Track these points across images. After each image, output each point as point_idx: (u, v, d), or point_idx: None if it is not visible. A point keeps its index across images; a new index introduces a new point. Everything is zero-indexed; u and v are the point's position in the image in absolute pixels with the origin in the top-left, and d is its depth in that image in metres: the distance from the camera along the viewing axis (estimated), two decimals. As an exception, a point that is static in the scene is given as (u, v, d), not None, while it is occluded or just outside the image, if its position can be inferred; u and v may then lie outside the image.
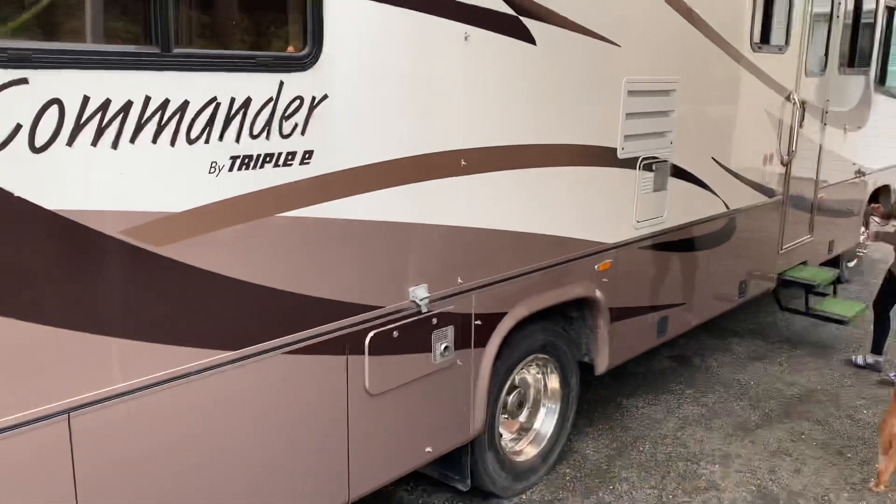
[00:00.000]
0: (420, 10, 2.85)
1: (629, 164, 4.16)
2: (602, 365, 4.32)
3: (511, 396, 4.00)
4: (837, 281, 6.86)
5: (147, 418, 2.35)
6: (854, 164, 7.04)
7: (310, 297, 2.70)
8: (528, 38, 3.32)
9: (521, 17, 3.26)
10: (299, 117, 2.53)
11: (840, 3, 6.20)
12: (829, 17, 6.11)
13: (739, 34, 4.93)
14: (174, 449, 2.45)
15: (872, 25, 6.93)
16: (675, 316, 4.91)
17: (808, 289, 6.30)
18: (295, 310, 2.67)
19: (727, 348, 6.24)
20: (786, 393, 5.42)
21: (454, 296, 3.28)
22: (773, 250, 6.05)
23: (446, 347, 3.28)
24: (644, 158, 4.25)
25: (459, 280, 3.30)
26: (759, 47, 5.15)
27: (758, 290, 5.95)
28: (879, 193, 7.91)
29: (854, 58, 6.61)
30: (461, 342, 3.38)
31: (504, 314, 3.59)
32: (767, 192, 5.71)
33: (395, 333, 3.03)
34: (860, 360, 5.93)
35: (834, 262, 7.31)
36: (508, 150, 3.39)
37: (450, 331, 3.29)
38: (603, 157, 3.97)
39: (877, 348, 5.89)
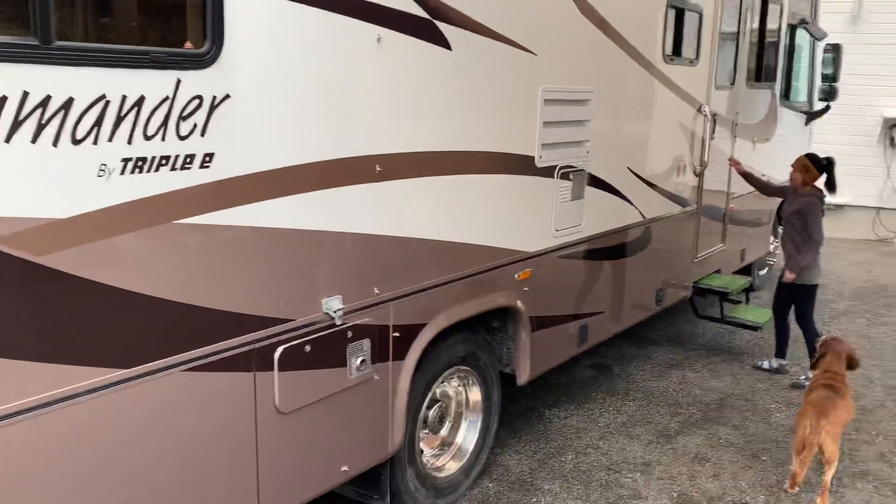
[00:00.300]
0: (329, 10, 2.73)
1: (547, 172, 4.14)
2: (524, 375, 4.27)
3: (432, 411, 3.89)
4: (749, 289, 7.06)
5: (30, 445, 2.14)
6: (763, 175, 7.28)
7: (212, 311, 2.53)
8: (443, 42, 3.25)
9: (436, 21, 3.19)
10: (198, 118, 2.38)
11: (747, 21, 6.42)
12: (737, 33, 6.32)
13: (652, 46, 5.01)
14: (62, 478, 2.23)
15: (777, 43, 7.21)
16: (595, 324, 4.92)
17: (723, 296, 6.45)
18: (196, 324, 2.49)
19: (646, 356, 6.31)
20: (703, 399, 5.50)
21: (370, 307, 3.16)
22: (689, 259, 6.18)
23: (362, 361, 3.15)
24: (562, 167, 4.25)
25: (376, 290, 3.18)
26: (671, 59, 5.25)
27: (674, 299, 6.05)
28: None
29: (761, 73, 6.86)
30: (378, 355, 3.25)
31: (423, 325, 3.49)
32: (681, 202, 5.82)
33: (307, 348, 2.88)
34: (766, 365, 6.09)
35: (746, 271, 7.54)
36: (425, 157, 3.30)
37: (366, 344, 3.16)
38: (521, 165, 3.94)
39: (780, 352, 6.07)
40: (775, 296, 6.07)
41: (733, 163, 6.40)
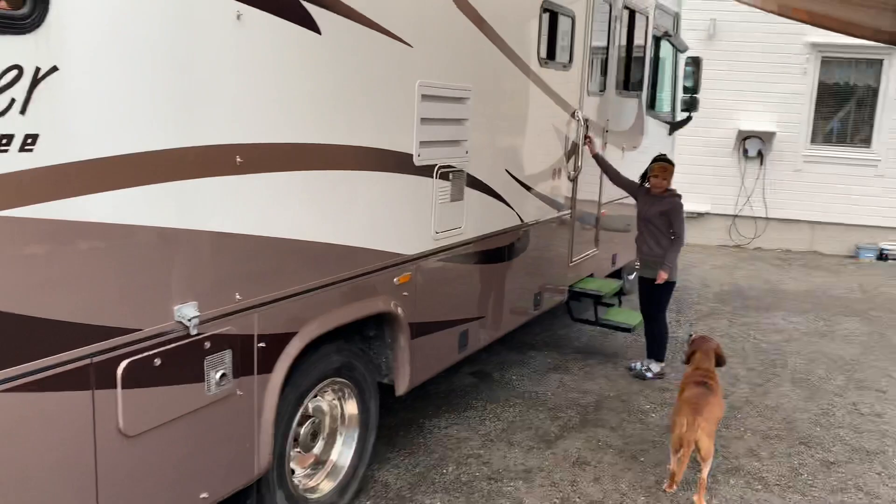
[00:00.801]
0: (181, -22, 2.44)
1: (426, 171, 3.97)
2: (403, 385, 4.06)
3: (304, 427, 3.59)
4: (621, 292, 7.20)
5: None
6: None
7: (37, 320, 2.15)
8: (312, 25, 3.00)
9: (303, 2, 2.94)
10: (17, 92, 2.02)
11: (616, 29, 6.54)
12: (607, 41, 6.43)
13: (527, 47, 4.97)
14: None
15: (643, 53, 7.42)
16: (475, 330, 4.79)
17: (596, 300, 6.52)
18: (16, 335, 2.11)
19: (525, 361, 6.27)
20: (581, 402, 5.49)
21: (231, 315, 2.85)
22: (564, 263, 6.19)
23: (223, 375, 2.83)
24: (441, 167, 4.09)
25: (238, 296, 2.87)
26: (546, 63, 5.24)
27: (551, 303, 6.04)
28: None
29: (629, 81, 7.02)
30: (242, 368, 2.94)
31: (293, 334, 3.21)
32: (557, 206, 5.82)
33: (157, 361, 2.53)
34: (638, 366, 6.16)
35: (617, 275, 7.69)
36: (293, 149, 3.04)
37: (227, 356, 2.84)
38: (399, 162, 3.74)
39: (650, 353, 6.18)
40: (640, 298, 6.18)
41: (588, 142, 6.09)
